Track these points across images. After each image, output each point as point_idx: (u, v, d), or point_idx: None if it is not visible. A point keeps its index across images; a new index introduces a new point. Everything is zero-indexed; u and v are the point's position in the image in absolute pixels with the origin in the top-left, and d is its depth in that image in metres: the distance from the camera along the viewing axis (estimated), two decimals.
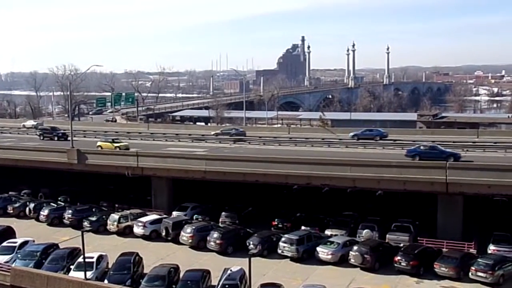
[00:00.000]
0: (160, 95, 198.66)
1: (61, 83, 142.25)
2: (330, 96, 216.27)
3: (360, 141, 62.84)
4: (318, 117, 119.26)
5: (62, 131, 72.39)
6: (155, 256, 41.88)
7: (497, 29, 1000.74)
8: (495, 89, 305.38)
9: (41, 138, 72.55)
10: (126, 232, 48.34)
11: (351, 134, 65.65)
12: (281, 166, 48.04)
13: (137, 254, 39.03)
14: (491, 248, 41.19)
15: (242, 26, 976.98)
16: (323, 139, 66.05)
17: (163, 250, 44.12)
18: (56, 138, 71.15)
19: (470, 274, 36.60)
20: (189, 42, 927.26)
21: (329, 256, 40.73)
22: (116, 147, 59.36)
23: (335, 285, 35.77)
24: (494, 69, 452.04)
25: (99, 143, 61.42)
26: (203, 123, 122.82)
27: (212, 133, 71.74)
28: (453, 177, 42.62)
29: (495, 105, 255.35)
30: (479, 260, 37.30)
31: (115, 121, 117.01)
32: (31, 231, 48.37)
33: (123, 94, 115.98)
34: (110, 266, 38.11)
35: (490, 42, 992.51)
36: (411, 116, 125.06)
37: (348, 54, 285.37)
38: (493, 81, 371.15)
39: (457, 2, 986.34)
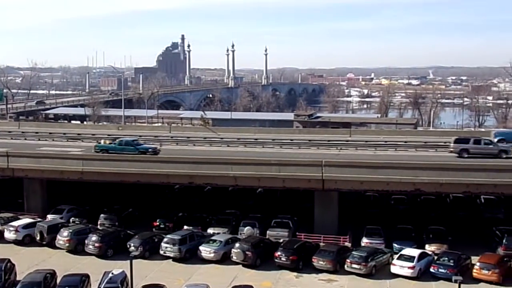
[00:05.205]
0: (31, 91, 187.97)
1: None
2: (210, 96, 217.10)
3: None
4: (199, 116, 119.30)
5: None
6: (29, 262, 39.68)
7: (367, 34, 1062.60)
8: (366, 91, 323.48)
9: None
10: None
11: None
12: (163, 165, 47.53)
13: (9, 260, 36.58)
14: (364, 241, 43.61)
15: (119, 22, 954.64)
16: (204, 138, 66.10)
17: (38, 255, 41.93)
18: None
19: (346, 266, 38.52)
20: (63, 36, 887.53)
21: (212, 255, 40.95)
22: None
23: (217, 283, 35.99)
24: (364, 72, 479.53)
25: None
26: (78, 122, 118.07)
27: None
28: (329, 174, 44.58)
29: (365, 106, 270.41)
30: (353, 252, 39.36)
31: None
32: None
33: None
34: None
35: (361, 46, 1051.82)
36: (288, 116, 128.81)
37: (228, 54, 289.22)
38: (363, 83, 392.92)
39: (331, 7, 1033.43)
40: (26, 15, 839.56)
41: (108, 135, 68.20)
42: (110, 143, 53.74)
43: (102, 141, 55.28)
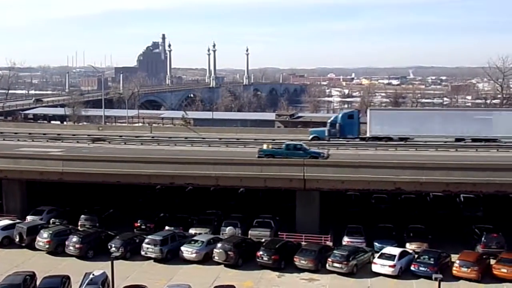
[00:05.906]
0: (10, 91, 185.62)
1: None
2: (192, 95, 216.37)
3: None
4: (181, 116, 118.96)
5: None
6: (8, 264, 39.21)
7: (354, 35, 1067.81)
8: (346, 91, 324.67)
9: None
10: None
11: None
12: (144, 166, 47.22)
13: None
14: (346, 240, 43.79)
15: (99, 21, 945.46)
16: (186, 138, 65.98)
17: (18, 257, 41.43)
18: None
19: (327, 265, 38.67)
20: (42, 36, 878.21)
21: (194, 255, 40.85)
22: None
23: (199, 283, 35.93)
24: (345, 72, 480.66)
25: None
26: (58, 122, 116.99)
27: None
28: (310, 174, 44.75)
29: (346, 106, 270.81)
30: (335, 251, 39.51)
31: None
32: None
33: None
34: None
35: (342, 47, 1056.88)
36: (270, 116, 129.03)
37: (209, 54, 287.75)
38: (344, 83, 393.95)
39: (312, 8, 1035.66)
40: (5, 15, 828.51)
41: (88, 135, 67.80)
42: (272, 148, 51.59)
43: (264, 146, 52.42)
